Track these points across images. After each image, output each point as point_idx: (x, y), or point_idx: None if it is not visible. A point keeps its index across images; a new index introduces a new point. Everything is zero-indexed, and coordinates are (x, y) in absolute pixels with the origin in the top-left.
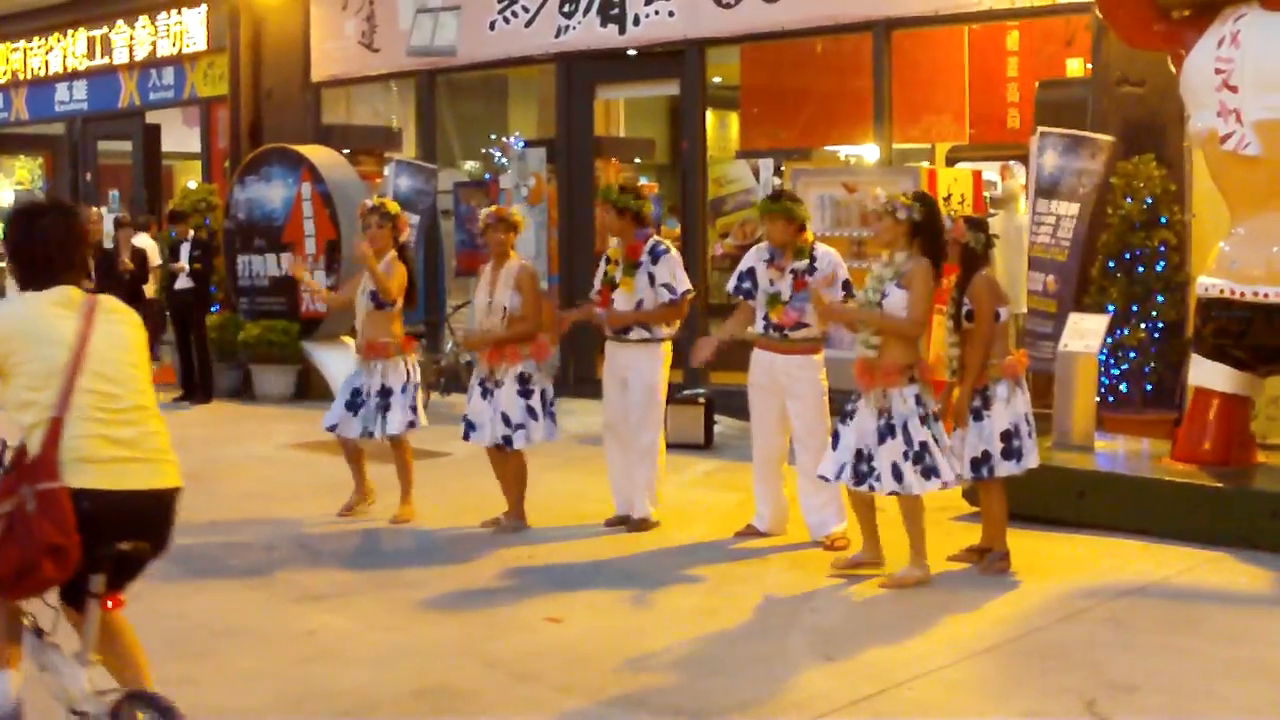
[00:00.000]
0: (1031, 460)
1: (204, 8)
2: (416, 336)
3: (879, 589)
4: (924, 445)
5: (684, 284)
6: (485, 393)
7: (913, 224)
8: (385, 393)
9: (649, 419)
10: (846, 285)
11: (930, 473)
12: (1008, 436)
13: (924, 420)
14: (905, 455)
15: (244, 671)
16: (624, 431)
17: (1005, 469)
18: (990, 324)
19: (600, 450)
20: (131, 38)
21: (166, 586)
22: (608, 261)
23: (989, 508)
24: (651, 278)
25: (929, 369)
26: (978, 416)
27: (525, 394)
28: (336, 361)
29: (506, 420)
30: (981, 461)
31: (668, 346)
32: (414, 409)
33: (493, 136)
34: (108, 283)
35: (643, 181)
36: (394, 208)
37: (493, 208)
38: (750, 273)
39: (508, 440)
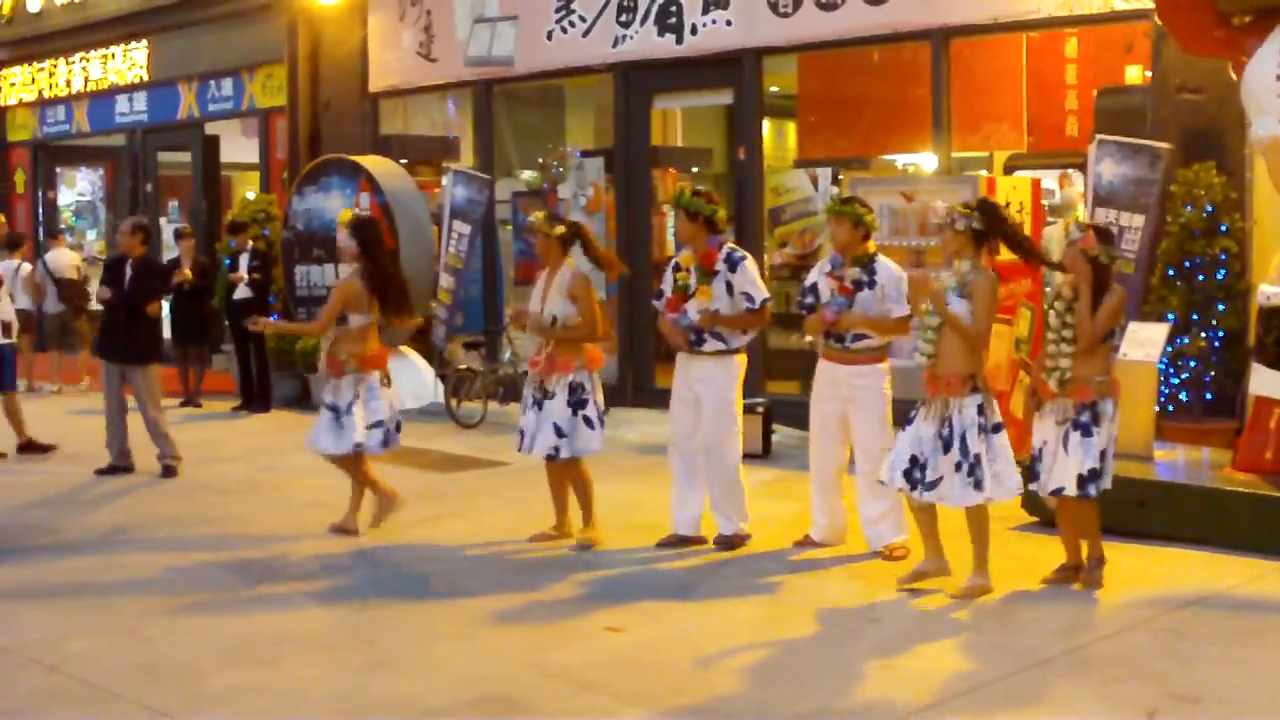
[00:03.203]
0: (1107, 481)
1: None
2: (475, 346)
3: (947, 599)
4: (977, 458)
5: (763, 292)
6: (537, 405)
7: (974, 233)
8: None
9: (728, 435)
10: (905, 298)
11: (979, 485)
12: (1103, 456)
13: (983, 431)
14: (958, 467)
15: (304, 680)
16: (688, 449)
17: (1101, 486)
18: (1108, 339)
19: (658, 460)
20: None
21: (227, 595)
22: (677, 269)
23: (1087, 523)
24: (730, 286)
25: (988, 378)
26: (1087, 432)
27: (579, 404)
28: (395, 371)
29: (558, 431)
30: (1088, 479)
31: (742, 358)
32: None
33: (550, 146)
34: (168, 293)
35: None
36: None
37: (539, 213)
38: (813, 288)
39: (556, 451)
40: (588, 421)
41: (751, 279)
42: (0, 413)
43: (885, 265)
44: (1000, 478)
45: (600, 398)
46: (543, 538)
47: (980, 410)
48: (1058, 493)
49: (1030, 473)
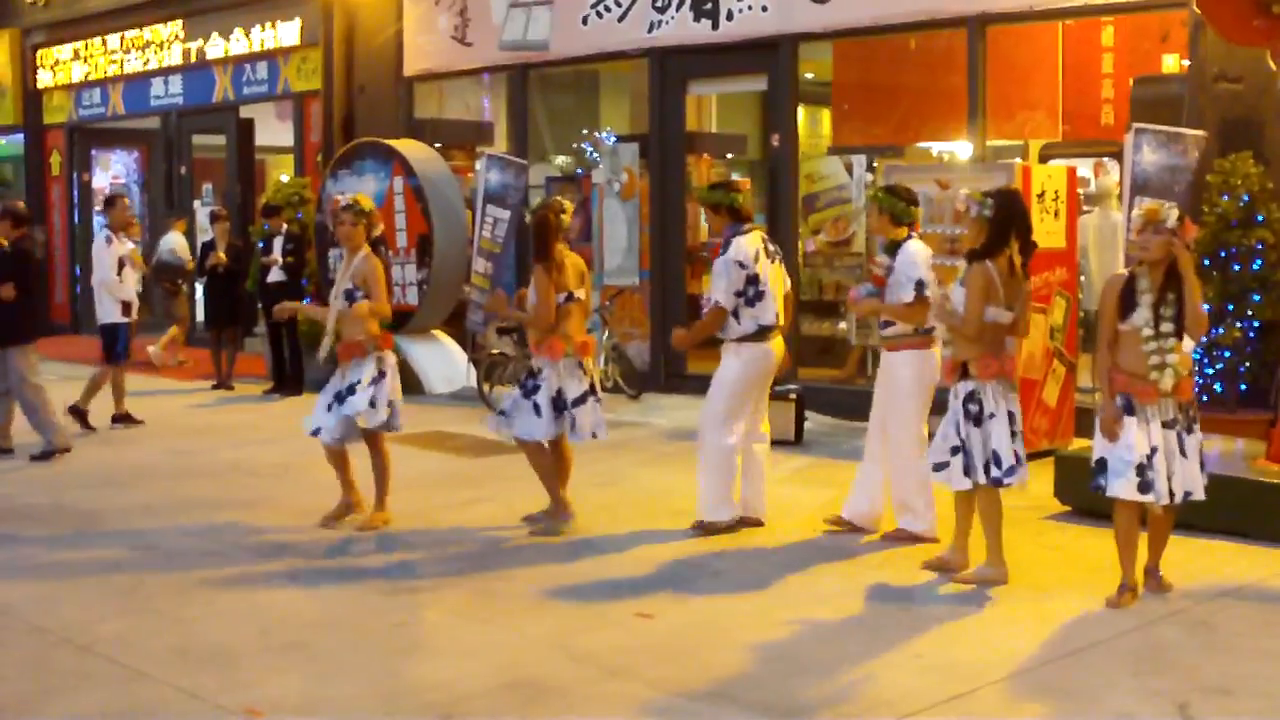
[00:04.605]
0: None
1: (297, 22)
2: (508, 331)
3: (957, 586)
4: (962, 444)
5: (717, 293)
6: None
7: (987, 221)
8: (352, 388)
9: (703, 417)
10: (919, 285)
11: (968, 471)
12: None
13: (969, 419)
14: (954, 450)
15: (334, 663)
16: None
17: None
18: None
19: (690, 446)
20: (227, 47)
21: (259, 577)
22: None
23: (1169, 529)
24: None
25: (987, 366)
26: (1194, 431)
27: (526, 388)
28: (427, 355)
29: (502, 411)
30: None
31: (750, 347)
32: (388, 406)
33: (584, 131)
34: (205, 275)
35: (734, 178)
36: (368, 204)
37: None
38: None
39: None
40: (536, 408)
41: (715, 278)
42: (96, 384)
43: (905, 251)
44: (987, 468)
45: (569, 388)
46: (533, 520)
47: (971, 398)
48: (1188, 498)
49: (1131, 477)
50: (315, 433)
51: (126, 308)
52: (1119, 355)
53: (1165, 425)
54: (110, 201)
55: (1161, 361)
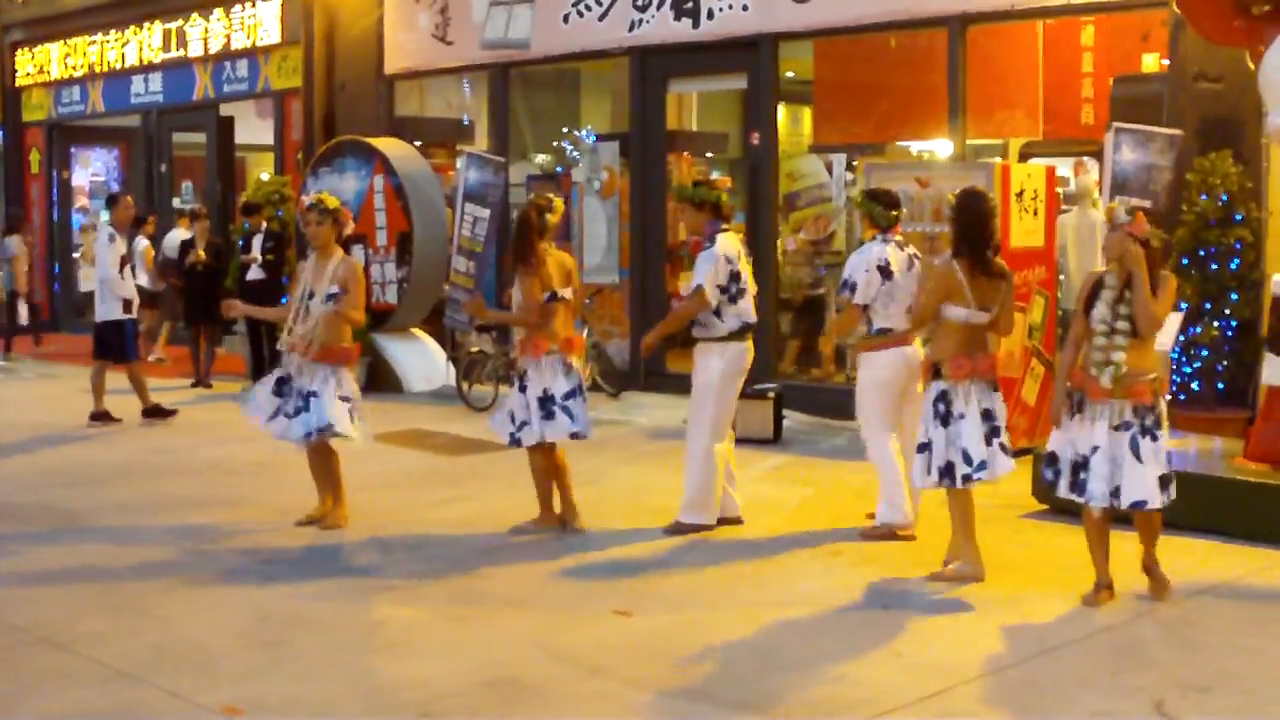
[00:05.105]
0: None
1: (278, 1)
2: (487, 329)
3: (934, 584)
4: (930, 443)
5: (698, 278)
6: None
7: (950, 220)
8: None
9: (694, 420)
10: (843, 285)
11: (928, 471)
12: (1169, 458)
13: (937, 418)
14: (921, 449)
15: (313, 661)
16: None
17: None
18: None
19: (670, 445)
20: (206, 30)
21: (238, 576)
22: None
23: (1155, 530)
24: None
25: (960, 367)
26: (1154, 436)
27: (522, 389)
28: (407, 353)
29: (512, 417)
30: (1163, 486)
31: (731, 345)
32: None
33: (565, 130)
34: (183, 274)
35: (714, 176)
36: (333, 203)
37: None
38: None
39: (513, 439)
40: (527, 409)
41: (699, 265)
42: (138, 382)
43: (857, 252)
44: (951, 469)
45: (555, 386)
46: (520, 531)
47: (942, 398)
48: (1139, 506)
49: (1065, 475)
50: (324, 428)
51: (128, 305)
52: (1085, 351)
53: (1117, 428)
54: (113, 199)
55: (1105, 359)
